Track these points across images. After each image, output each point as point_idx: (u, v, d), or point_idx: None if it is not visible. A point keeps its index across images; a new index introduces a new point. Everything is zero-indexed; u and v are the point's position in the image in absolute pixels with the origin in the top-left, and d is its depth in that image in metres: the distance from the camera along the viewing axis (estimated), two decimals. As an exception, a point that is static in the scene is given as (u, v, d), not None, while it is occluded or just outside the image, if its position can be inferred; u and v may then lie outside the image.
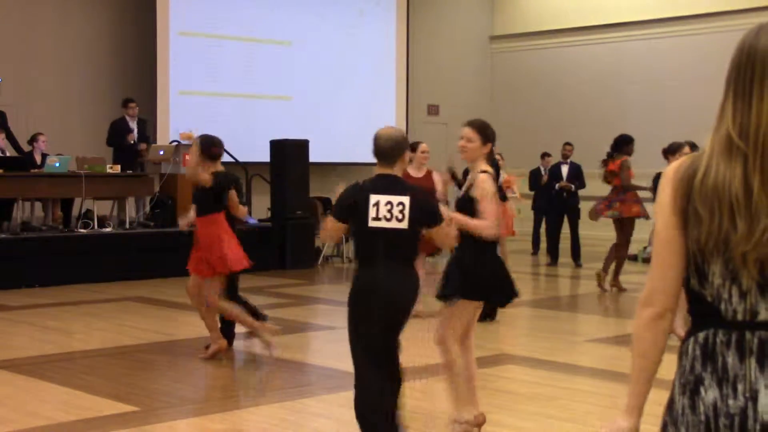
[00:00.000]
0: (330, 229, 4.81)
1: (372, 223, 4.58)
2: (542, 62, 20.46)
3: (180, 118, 15.76)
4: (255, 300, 11.15)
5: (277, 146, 14.60)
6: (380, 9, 18.63)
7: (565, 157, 15.09)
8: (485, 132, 5.24)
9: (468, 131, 5.23)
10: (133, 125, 14.18)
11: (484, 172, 5.17)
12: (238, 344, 8.44)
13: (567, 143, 15.28)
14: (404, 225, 4.57)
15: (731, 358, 2.03)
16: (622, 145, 11.71)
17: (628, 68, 19.17)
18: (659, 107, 18.38)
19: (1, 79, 14.28)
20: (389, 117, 18.59)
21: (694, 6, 18.21)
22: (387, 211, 4.56)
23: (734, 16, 17.07)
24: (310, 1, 17.63)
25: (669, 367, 2.18)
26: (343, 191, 4.76)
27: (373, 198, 4.59)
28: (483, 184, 5.09)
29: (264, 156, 14.92)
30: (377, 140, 4.73)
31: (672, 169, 2.12)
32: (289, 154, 14.39)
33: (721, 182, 2.00)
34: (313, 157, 14.99)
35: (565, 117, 19.73)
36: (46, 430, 5.57)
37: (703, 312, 2.09)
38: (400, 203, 4.57)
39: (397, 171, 4.69)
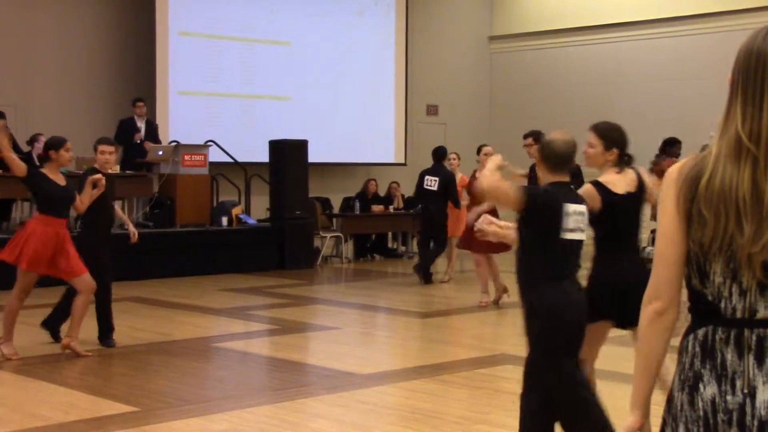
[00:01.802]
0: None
1: (567, 235, 4.34)
2: (541, 62, 20.45)
3: (180, 118, 15.77)
4: (254, 300, 11.19)
5: (276, 146, 14.61)
6: (379, 9, 18.63)
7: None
8: (608, 136, 4.79)
9: (591, 135, 4.81)
10: (141, 125, 14.20)
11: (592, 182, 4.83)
12: (237, 344, 8.45)
13: None
14: (584, 236, 4.40)
15: (730, 355, 2.05)
16: (669, 146, 11.89)
17: (627, 68, 19.16)
18: (659, 107, 18.37)
19: None
20: (388, 117, 18.62)
21: (694, 6, 18.20)
22: (575, 221, 4.36)
23: (734, 16, 17.07)
24: (310, 1, 17.63)
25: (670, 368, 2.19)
26: (544, 193, 4.40)
27: (569, 207, 4.34)
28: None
29: (263, 156, 14.92)
30: (556, 145, 4.45)
31: (675, 170, 2.13)
32: (289, 155, 14.41)
33: (728, 185, 2.02)
34: (312, 157, 15.00)
35: (565, 117, 19.68)
36: (45, 430, 5.57)
37: (703, 310, 2.11)
38: (582, 212, 4.38)
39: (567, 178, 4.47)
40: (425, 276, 12.39)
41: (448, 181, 12.05)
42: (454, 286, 12.29)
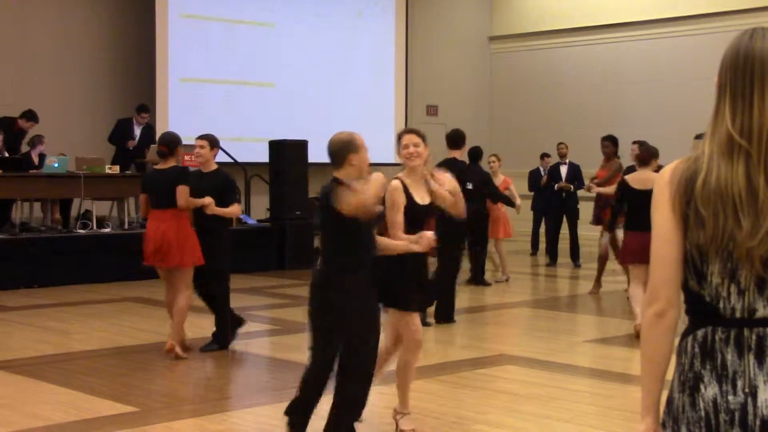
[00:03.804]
0: None
1: None
2: (541, 63, 20.46)
3: (180, 118, 15.77)
4: (254, 300, 11.17)
5: (276, 146, 14.61)
6: (379, 10, 18.64)
7: (562, 155, 15.07)
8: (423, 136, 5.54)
9: (412, 137, 5.48)
10: (138, 131, 14.21)
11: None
12: (237, 344, 8.44)
13: (561, 142, 15.26)
14: None
15: (730, 355, 2.05)
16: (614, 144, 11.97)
17: (627, 68, 19.18)
18: (658, 108, 18.38)
19: None
20: (388, 117, 18.61)
21: (694, 6, 18.22)
22: None
23: (734, 16, 17.08)
24: (310, 2, 17.63)
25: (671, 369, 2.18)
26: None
27: None
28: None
29: (263, 156, 14.92)
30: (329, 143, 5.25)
31: (668, 171, 2.13)
32: (288, 155, 14.40)
33: (724, 183, 2.03)
34: (312, 157, 14.98)
35: (564, 117, 19.74)
36: (45, 430, 5.57)
37: (701, 311, 2.11)
38: None
39: (343, 174, 5.17)
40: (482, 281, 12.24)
41: (485, 180, 11.71)
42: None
